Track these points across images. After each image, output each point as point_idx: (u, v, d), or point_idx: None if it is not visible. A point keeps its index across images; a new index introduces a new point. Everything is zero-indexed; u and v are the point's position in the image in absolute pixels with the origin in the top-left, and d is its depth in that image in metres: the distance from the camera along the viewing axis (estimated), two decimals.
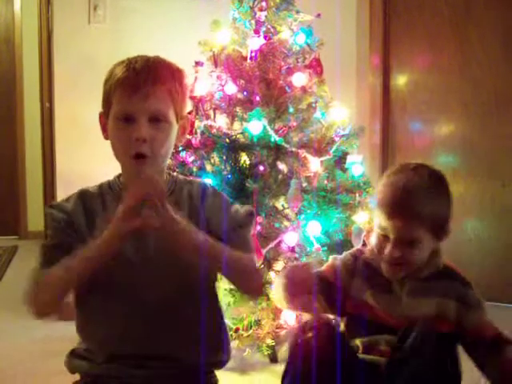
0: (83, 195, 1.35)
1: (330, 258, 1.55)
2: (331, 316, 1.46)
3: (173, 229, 1.19)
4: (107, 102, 1.32)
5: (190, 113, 2.34)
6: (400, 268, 1.40)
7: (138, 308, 1.28)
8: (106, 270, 1.23)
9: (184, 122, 1.37)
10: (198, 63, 2.53)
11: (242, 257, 1.28)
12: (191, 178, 1.45)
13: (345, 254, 1.54)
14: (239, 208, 1.37)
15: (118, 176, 1.39)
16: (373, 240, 1.45)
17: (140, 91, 1.26)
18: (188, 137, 2.34)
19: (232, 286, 2.32)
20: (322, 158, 2.44)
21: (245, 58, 2.51)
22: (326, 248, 2.37)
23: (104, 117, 1.35)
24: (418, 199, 1.37)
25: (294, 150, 2.40)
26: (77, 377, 1.36)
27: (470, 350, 1.43)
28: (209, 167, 2.43)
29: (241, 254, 1.28)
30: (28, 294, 1.25)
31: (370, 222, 2.50)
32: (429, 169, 1.44)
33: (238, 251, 1.28)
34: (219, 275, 1.42)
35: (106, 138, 1.35)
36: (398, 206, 1.37)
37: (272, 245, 2.34)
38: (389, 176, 1.44)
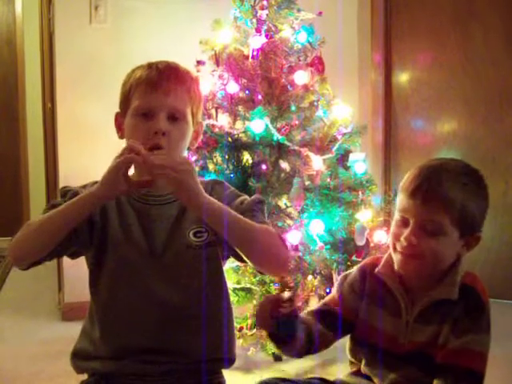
0: None
1: (339, 277, 1.44)
2: None
3: (178, 167, 1.16)
4: (126, 100, 1.34)
5: None
6: (414, 261, 1.25)
7: (146, 303, 1.30)
8: (122, 269, 1.27)
9: (198, 127, 1.40)
10: (199, 62, 2.53)
11: (250, 222, 1.22)
12: (202, 179, 1.45)
13: (354, 271, 1.41)
14: (247, 198, 1.35)
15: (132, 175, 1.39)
16: (390, 230, 1.30)
17: (161, 87, 1.29)
18: None
19: (236, 285, 2.33)
20: (325, 157, 2.44)
21: (246, 57, 2.50)
22: (329, 246, 2.37)
23: (121, 116, 1.36)
24: (445, 180, 1.22)
25: (296, 148, 2.40)
26: (81, 377, 1.36)
27: (432, 372, 1.24)
28: (211, 166, 2.43)
29: (256, 224, 1.23)
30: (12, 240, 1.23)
31: (373, 220, 2.50)
32: (467, 163, 1.32)
33: None
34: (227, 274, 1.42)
35: (121, 137, 1.36)
36: (422, 183, 1.22)
37: None
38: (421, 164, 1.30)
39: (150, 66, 1.34)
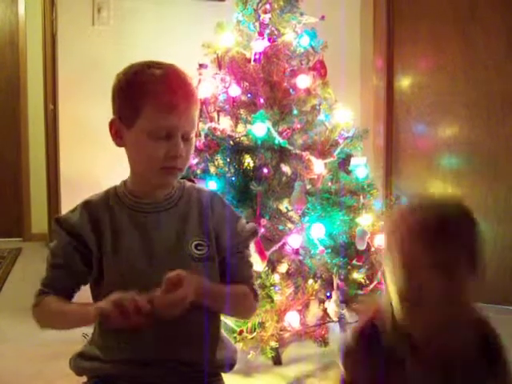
0: (88, 206, 1.33)
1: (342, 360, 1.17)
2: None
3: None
4: (132, 110, 1.27)
5: None
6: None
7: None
8: (120, 281, 1.27)
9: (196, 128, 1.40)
10: (202, 65, 2.54)
11: (242, 295, 1.36)
12: (199, 186, 1.44)
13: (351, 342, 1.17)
14: (245, 225, 1.38)
15: (125, 182, 1.37)
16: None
17: (178, 109, 1.26)
18: None
19: None
20: (326, 160, 2.44)
21: (249, 61, 2.51)
22: (329, 250, 2.37)
23: (122, 124, 1.29)
24: (458, 222, 1.09)
25: (297, 152, 2.40)
26: (82, 379, 1.36)
27: None
28: (213, 169, 2.43)
29: (241, 289, 1.36)
30: (32, 310, 1.31)
31: (374, 225, 2.50)
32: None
33: (237, 272, 1.37)
34: None
35: (119, 145, 1.32)
36: (442, 228, 1.06)
37: (276, 247, 2.33)
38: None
39: (161, 78, 1.26)
